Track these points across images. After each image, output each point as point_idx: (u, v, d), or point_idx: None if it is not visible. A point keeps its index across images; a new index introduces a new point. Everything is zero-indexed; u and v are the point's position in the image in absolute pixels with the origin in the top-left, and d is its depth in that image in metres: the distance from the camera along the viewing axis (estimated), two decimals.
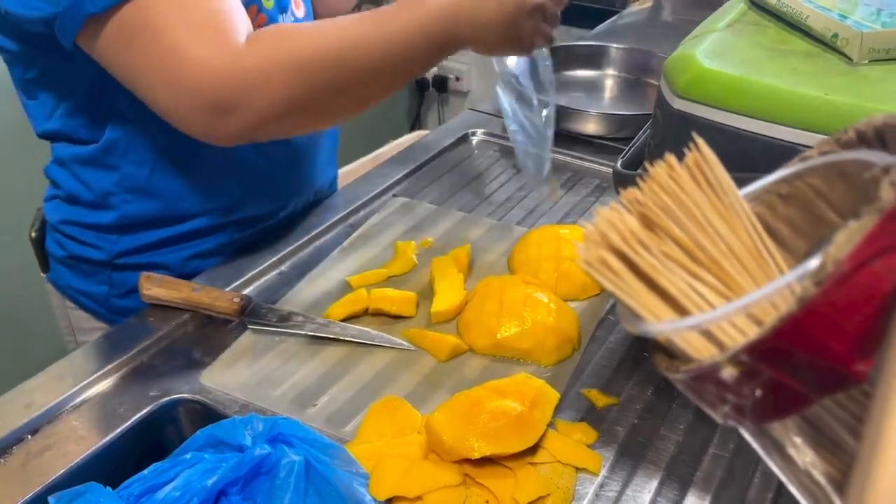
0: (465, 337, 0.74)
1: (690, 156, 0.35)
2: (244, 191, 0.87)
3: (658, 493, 0.59)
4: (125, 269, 0.86)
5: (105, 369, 0.70)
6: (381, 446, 0.61)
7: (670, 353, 0.33)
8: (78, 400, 0.67)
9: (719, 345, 0.30)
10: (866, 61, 0.65)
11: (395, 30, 0.71)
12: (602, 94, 1.26)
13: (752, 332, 0.29)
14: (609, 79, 1.28)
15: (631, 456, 0.62)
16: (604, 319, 0.77)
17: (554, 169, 1.05)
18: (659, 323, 0.31)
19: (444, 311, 0.76)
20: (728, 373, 0.29)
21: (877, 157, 0.29)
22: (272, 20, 0.81)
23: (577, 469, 0.61)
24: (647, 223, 0.34)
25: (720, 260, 0.33)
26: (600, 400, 0.68)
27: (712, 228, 0.34)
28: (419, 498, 0.57)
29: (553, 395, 0.65)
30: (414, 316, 0.77)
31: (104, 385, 0.69)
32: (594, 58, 1.29)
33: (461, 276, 0.80)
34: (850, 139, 0.33)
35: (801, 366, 0.27)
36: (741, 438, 0.44)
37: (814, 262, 0.26)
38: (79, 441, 0.63)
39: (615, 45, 1.30)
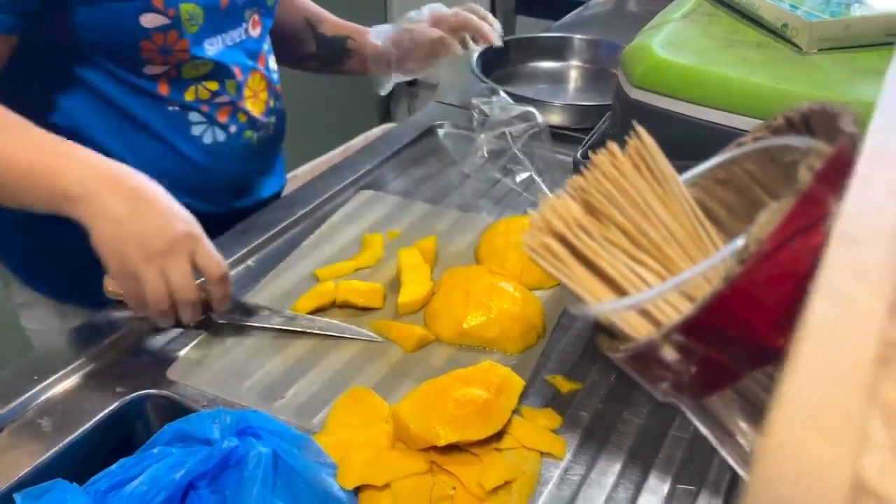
0: (432, 327, 0.75)
1: (631, 144, 0.36)
2: (182, 183, 0.83)
3: (621, 475, 0.61)
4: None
5: (71, 366, 0.70)
6: (348, 437, 0.62)
7: (613, 333, 0.34)
8: (43, 398, 0.67)
9: (656, 323, 0.31)
10: (815, 50, 0.67)
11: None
12: (567, 86, 1.28)
13: (686, 310, 0.30)
14: (574, 70, 1.30)
15: (595, 440, 0.64)
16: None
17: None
18: (599, 304, 0.32)
19: (411, 302, 0.77)
20: (665, 351, 0.30)
21: (800, 142, 0.30)
22: (197, 44, 0.79)
23: (542, 454, 0.62)
24: (591, 209, 0.35)
25: (661, 244, 0.34)
26: (565, 386, 0.69)
27: (653, 214, 0.35)
28: (387, 486, 0.58)
29: (518, 382, 0.66)
30: (381, 307, 0.78)
31: (70, 382, 0.69)
32: (559, 49, 1.30)
33: (427, 267, 0.81)
34: (779, 125, 0.34)
35: (730, 342, 0.28)
36: None
37: (739, 242, 0.28)
38: (45, 439, 0.63)
39: (579, 37, 1.31)
